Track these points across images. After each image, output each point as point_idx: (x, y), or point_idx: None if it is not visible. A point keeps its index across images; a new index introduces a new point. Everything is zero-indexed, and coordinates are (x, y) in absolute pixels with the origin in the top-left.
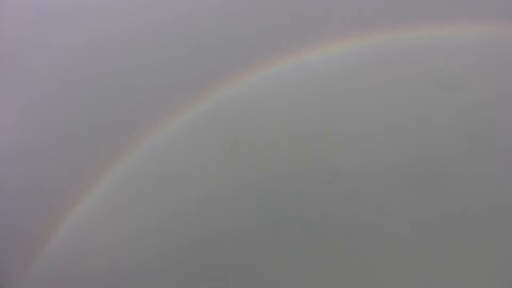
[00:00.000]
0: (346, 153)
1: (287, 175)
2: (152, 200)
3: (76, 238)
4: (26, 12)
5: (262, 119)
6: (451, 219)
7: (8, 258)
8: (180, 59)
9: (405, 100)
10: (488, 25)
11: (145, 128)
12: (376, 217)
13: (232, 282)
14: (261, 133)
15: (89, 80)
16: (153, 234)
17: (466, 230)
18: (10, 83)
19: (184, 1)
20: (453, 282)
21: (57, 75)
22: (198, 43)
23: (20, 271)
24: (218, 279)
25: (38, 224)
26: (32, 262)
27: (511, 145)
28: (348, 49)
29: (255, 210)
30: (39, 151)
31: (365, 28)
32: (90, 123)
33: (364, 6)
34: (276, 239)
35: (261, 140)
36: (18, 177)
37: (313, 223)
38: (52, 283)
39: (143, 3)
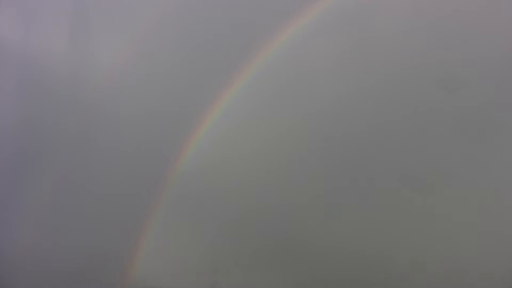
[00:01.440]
0: (347, 153)
1: None
2: None
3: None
4: None
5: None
6: (451, 217)
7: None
8: None
9: (406, 99)
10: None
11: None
12: (377, 215)
13: None
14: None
15: None
16: None
17: (466, 229)
18: None
19: None
20: (453, 280)
21: None
22: None
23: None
24: None
25: None
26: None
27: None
28: (347, 48)
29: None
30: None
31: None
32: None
33: None
34: None
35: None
36: None
37: None
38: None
39: None
